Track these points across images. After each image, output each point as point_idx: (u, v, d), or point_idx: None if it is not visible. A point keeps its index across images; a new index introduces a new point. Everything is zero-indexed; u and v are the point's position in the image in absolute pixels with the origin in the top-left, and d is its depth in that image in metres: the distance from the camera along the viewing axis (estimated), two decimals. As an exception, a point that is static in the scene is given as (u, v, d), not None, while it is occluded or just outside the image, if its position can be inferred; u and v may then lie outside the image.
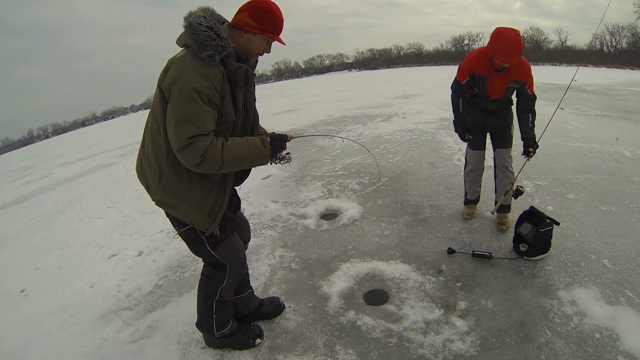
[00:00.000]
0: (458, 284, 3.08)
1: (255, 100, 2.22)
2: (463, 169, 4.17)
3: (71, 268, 4.34)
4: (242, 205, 4.85)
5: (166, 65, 1.95)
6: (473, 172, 4.00)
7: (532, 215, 3.32)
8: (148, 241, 4.60)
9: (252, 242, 4.19)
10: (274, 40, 2.08)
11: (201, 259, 2.40)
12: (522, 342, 2.48)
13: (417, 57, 71.18)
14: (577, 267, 3.12)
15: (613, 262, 3.15)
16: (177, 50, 2.02)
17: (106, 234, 5.10)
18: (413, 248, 3.66)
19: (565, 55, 48.94)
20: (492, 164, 3.93)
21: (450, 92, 3.83)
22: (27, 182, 12.35)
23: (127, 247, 4.53)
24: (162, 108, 1.91)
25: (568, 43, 56.48)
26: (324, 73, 76.82)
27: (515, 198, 3.45)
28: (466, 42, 70.08)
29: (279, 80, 73.60)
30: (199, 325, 2.61)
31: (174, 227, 2.23)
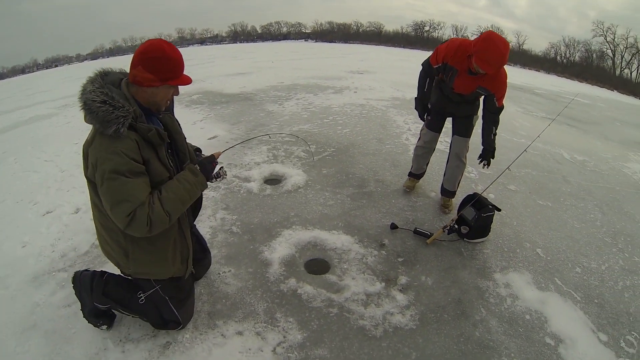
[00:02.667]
0: (399, 259, 3.06)
1: (184, 138, 2.25)
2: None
3: (1, 226, 3.81)
4: None
5: (83, 153, 1.89)
6: (422, 148, 3.95)
7: (476, 201, 3.37)
8: (86, 198, 3.99)
9: None
10: (178, 85, 2.00)
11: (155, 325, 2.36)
12: (459, 318, 2.53)
13: (375, 36, 68.92)
14: (512, 253, 3.24)
15: (545, 251, 3.31)
16: None
17: (42, 190, 4.51)
18: (356, 220, 3.59)
19: (520, 58, 50.83)
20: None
21: (420, 68, 3.61)
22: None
23: (63, 204, 4.04)
24: (96, 195, 1.91)
25: (525, 47, 58.77)
26: (280, 40, 73.91)
27: (448, 234, 3.22)
28: (427, 28, 69.77)
29: (233, 43, 69.94)
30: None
31: (140, 295, 2.21)
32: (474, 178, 4.57)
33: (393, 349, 2.31)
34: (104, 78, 1.88)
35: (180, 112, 7.67)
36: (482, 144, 3.46)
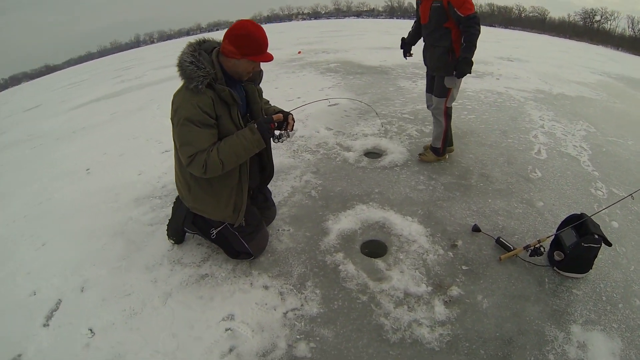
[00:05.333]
0: (464, 267, 2.44)
1: (261, 108, 2.30)
2: None
3: (130, 157, 4.41)
4: (296, 126, 4.54)
5: (172, 100, 2.02)
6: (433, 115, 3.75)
7: (581, 224, 2.45)
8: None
9: (288, 161, 3.83)
10: (258, 61, 2.03)
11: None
12: None
13: (538, 23, 57.70)
14: (611, 306, 2.24)
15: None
16: None
17: (168, 132, 4.90)
18: (439, 212, 2.99)
19: None
20: None
21: None
22: (122, 81, 12.60)
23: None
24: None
25: None
26: None
27: (530, 256, 2.47)
28: (597, 18, 55.09)
29: (390, 18, 63.84)
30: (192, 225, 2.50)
31: (212, 231, 2.33)
32: (600, 197, 3.41)
33: (400, 363, 1.83)
34: (201, 45, 2.03)
35: (313, 78, 7.57)
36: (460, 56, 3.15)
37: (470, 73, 3.17)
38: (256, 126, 2.04)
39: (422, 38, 3.54)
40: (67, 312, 2.19)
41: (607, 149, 4.42)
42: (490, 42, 16.89)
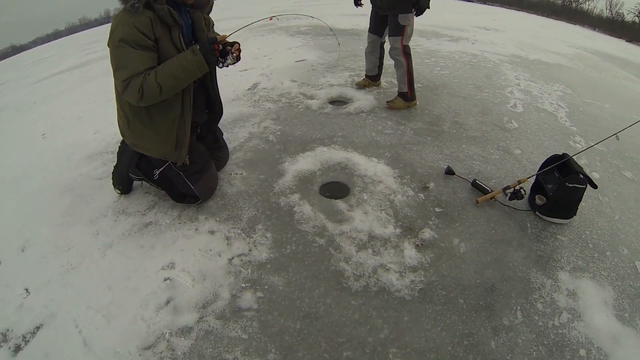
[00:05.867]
0: (437, 210, 2.08)
1: (206, 36, 2.04)
2: None
3: (88, 119, 4.09)
4: (260, 80, 4.34)
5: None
6: (368, 50, 3.79)
7: (563, 165, 2.14)
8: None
9: (248, 110, 3.40)
10: None
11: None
12: (479, 311, 1.54)
13: (517, 0, 58.65)
14: (599, 254, 1.96)
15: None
16: None
17: None
18: (408, 154, 2.61)
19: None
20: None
21: None
22: (87, 54, 11.65)
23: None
24: None
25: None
26: None
27: (510, 199, 2.17)
28: None
29: None
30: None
31: (154, 171, 2.11)
32: (579, 149, 3.05)
33: (362, 314, 1.48)
34: None
35: (282, 40, 6.94)
36: None
37: (429, 8, 3.15)
38: (198, 47, 1.82)
39: None
40: (5, 273, 1.96)
41: (584, 109, 4.21)
42: (468, 14, 16.61)
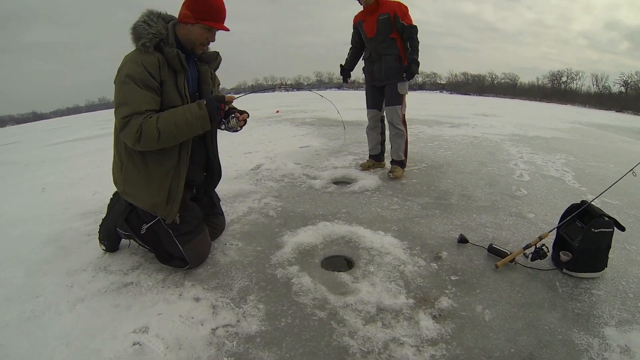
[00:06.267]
0: (453, 278, 1.89)
1: (211, 92, 2.07)
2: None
3: (90, 180, 4.22)
4: (264, 162, 4.41)
5: None
6: (370, 126, 3.87)
7: (585, 213, 1.99)
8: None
9: (250, 188, 3.43)
10: (213, 29, 1.87)
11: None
12: None
13: (510, 89, 59.45)
14: None
15: None
16: None
17: None
18: (417, 227, 2.49)
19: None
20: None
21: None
22: (102, 128, 12.49)
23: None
24: None
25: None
26: (415, 90, 62.83)
27: (532, 260, 2.00)
28: (564, 79, 57.41)
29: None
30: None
31: (142, 226, 2.00)
32: (579, 188, 2.97)
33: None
34: (161, 14, 1.87)
35: (287, 129, 7.45)
36: (407, 60, 3.34)
37: (418, 73, 3.39)
38: (205, 102, 1.83)
39: (361, 58, 3.75)
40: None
41: (589, 171, 4.18)
42: (465, 104, 17.64)
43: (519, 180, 3.66)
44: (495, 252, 2.11)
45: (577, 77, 56.82)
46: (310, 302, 1.64)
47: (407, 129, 3.64)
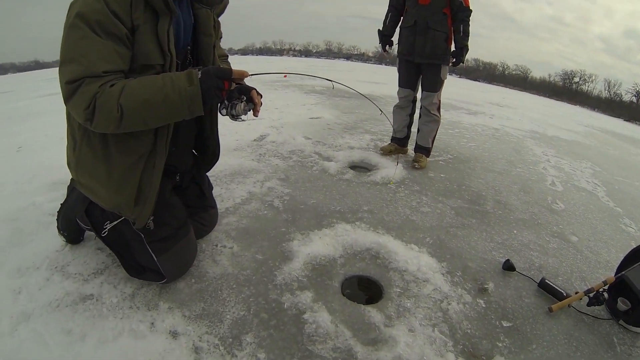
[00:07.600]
0: (504, 324, 1.53)
1: (213, 45, 1.40)
2: None
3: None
4: (269, 132, 3.90)
5: None
6: (399, 105, 3.41)
7: None
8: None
9: (251, 164, 2.94)
10: None
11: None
12: None
13: (521, 81, 56.33)
14: None
15: None
16: None
17: None
18: (454, 241, 2.12)
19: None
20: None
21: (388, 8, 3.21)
22: None
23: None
24: None
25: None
26: None
27: (588, 305, 1.65)
28: (576, 79, 55.30)
29: (379, 64, 57.98)
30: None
31: (105, 225, 1.44)
32: (633, 234, 2.65)
33: None
34: None
35: (295, 96, 6.79)
36: (454, 43, 2.99)
37: (463, 63, 3.04)
38: (200, 74, 1.16)
39: (401, 24, 3.16)
40: None
41: (619, 188, 3.88)
42: (477, 90, 17.00)
43: (553, 189, 3.30)
44: (548, 289, 1.75)
45: (590, 79, 55.11)
46: (331, 355, 1.25)
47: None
